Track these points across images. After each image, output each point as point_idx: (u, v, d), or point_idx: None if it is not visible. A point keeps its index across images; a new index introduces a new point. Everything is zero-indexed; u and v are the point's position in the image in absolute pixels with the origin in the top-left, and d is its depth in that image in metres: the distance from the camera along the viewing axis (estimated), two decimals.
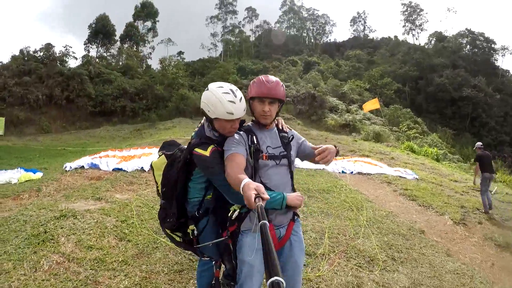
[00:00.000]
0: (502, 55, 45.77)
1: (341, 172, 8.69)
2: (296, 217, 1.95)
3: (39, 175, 6.14)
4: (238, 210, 1.84)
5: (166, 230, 2.14)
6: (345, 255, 3.74)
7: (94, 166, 6.61)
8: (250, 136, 1.88)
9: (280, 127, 2.04)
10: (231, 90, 1.86)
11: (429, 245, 4.42)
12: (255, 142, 1.85)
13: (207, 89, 1.91)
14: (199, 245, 2.02)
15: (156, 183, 2.16)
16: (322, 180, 7.25)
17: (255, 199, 1.23)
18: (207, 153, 1.85)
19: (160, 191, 2.14)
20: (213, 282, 2.12)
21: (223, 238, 1.98)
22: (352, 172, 8.79)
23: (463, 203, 6.57)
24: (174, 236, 2.14)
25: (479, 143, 7.98)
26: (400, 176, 8.77)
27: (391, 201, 6.61)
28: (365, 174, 8.78)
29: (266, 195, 1.25)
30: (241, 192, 1.35)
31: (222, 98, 1.82)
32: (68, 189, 5.10)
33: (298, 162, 2.59)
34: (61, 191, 5.04)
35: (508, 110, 36.71)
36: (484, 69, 41.18)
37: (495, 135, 33.73)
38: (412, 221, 5.40)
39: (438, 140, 23.49)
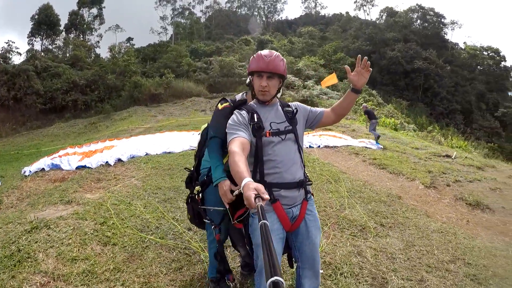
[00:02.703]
0: (451, 29, 48.39)
1: (308, 146, 8.81)
2: (309, 195, 1.89)
3: None
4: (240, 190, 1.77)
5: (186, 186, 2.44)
6: (338, 227, 3.82)
7: (55, 167, 6.04)
8: (250, 114, 1.80)
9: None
10: None
11: (409, 209, 4.64)
12: (255, 120, 1.77)
13: None
14: (203, 206, 2.24)
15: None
16: None
17: (255, 199, 1.18)
18: (220, 106, 2.10)
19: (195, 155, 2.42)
20: (217, 245, 2.27)
21: (223, 209, 2.09)
22: (319, 146, 8.97)
23: (429, 168, 6.96)
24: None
25: (364, 104, 13.49)
26: (366, 147, 9.11)
27: (363, 171, 6.85)
28: (332, 147, 9.00)
29: (266, 195, 1.20)
30: (241, 191, 1.31)
31: None
32: (32, 196, 4.58)
33: None
34: (25, 199, 4.52)
35: (459, 81, 39.08)
36: (434, 43, 43.10)
37: (447, 104, 35.87)
38: (388, 188, 5.64)
39: (394, 110, 24.80)
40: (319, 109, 2.02)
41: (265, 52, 1.84)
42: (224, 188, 1.86)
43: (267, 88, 1.80)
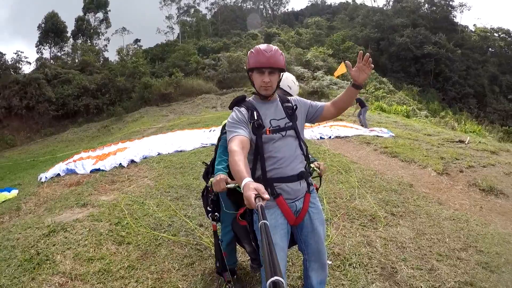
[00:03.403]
0: (460, 12, 46.82)
1: (319, 138, 8.77)
2: (311, 188, 1.90)
3: (14, 192, 5.66)
4: (234, 184, 1.82)
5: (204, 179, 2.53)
6: (348, 217, 3.82)
7: (71, 172, 6.21)
8: (250, 111, 1.79)
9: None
10: None
11: (421, 197, 4.60)
12: (255, 118, 1.77)
13: None
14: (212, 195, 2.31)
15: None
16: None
17: (255, 199, 1.19)
18: None
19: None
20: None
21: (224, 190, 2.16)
22: (330, 137, 8.90)
23: (441, 155, 6.82)
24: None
25: None
26: (377, 136, 8.99)
27: (375, 160, 6.79)
28: (343, 137, 8.93)
29: (266, 195, 1.21)
30: (242, 191, 1.32)
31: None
32: (49, 201, 4.74)
33: None
34: (42, 204, 4.67)
35: (470, 64, 37.96)
36: (443, 26, 41.91)
37: (459, 89, 34.95)
38: (399, 176, 5.57)
39: (405, 97, 24.36)
40: (319, 103, 2.01)
41: (263, 46, 1.81)
42: (220, 177, 1.95)
43: (270, 83, 1.79)
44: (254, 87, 1.85)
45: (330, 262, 2.77)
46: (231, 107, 1.90)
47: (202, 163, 2.62)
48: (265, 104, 1.87)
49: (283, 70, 1.84)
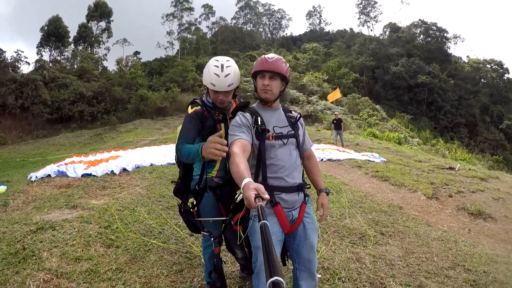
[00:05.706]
0: (454, 43, 48.44)
1: None
2: (307, 199, 1.94)
3: (2, 188, 5.53)
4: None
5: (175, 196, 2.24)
6: (338, 235, 3.84)
7: (61, 174, 6.14)
8: (254, 117, 1.83)
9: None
10: (222, 64, 1.93)
11: (410, 218, 4.66)
12: (259, 123, 1.80)
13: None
14: (200, 219, 2.11)
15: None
16: None
17: (255, 199, 1.20)
18: (190, 111, 1.97)
19: (176, 160, 2.27)
20: (215, 260, 2.15)
21: (224, 218, 2.03)
22: (322, 160, 9.06)
23: (431, 180, 6.94)
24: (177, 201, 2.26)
25: (336, 112, 15.19)
26: (369, 160, 9.16)
27: (365, 183, 6.89)
28: (335, 160, 9.10)
29: (266, 195, 1.21)
30: (241, 191, 1.33)
31: (210, 68, 1.93)
32: (37, 200, 4.66)
33: None
34: (31, 203, 4.59)
35: (462, 94, 39.28)
36: (437, 57, 43.54)
37: (451, 118, 36.04)
38: (389, 199, 5.67)
39: (397, 125, 24.81)
40: (310, 141, 2.14)
41: (268, 55, 1.90)
42: (213, 138, 1.61)
43: (269, 87, 1.82)
44: (257, 92, 1.91)
45: (319, 276, 2.76)
46: (234, 113, 1.93)
47: (172, 182, 2.40)
48: (268, 111, 1.91)
49: (285, 78, 1.89)
